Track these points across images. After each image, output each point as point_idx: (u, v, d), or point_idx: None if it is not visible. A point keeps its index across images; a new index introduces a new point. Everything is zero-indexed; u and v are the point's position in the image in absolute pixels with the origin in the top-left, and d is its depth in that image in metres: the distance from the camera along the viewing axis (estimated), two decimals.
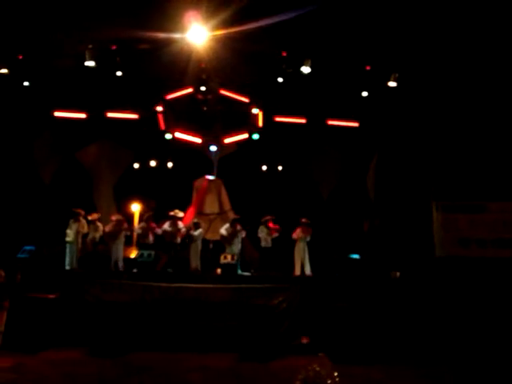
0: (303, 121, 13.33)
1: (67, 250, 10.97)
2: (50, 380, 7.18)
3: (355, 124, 13.29)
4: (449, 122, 11.95)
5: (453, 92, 11.71)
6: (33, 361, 8.12)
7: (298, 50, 11.82)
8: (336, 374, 4.25)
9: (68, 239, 10.94)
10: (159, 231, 11.55)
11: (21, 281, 9.20)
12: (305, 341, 9.36)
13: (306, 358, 8.14)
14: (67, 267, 10.87)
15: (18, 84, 12.07)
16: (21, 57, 11.69)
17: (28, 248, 10.85)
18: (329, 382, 4.32)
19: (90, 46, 11.35)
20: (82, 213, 11.17)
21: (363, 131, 13.26)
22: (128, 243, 12.17)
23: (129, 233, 11.81)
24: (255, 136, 13.29)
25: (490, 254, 11.27)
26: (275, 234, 11.64)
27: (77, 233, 11.04)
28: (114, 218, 11.44)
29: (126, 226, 11.39)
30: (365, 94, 12.61)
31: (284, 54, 12.03)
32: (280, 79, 12.49)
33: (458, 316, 9.39)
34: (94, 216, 11.42)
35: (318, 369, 4.43)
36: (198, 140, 13.66)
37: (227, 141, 13.76)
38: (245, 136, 13.52)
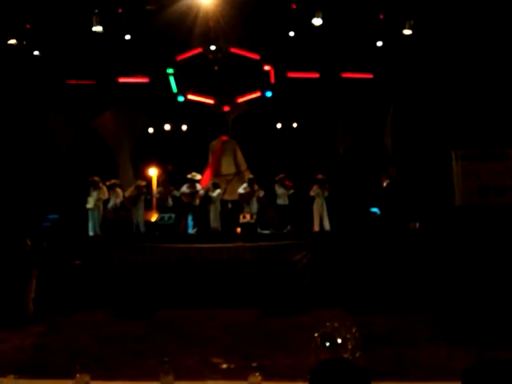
0: (316, 75, 13.05)
1: (89, 217, 11.17)
2: (82, 341, 7.47)
3: (369, 76, 12.98)
4: (466, 69, 11.57)
5: (470, 37, 11.27)
6: (64, 324, 8.43)
7: (308, 1, 11.43)
8: (355, 330, 4.33)
9: (89, 206, 11.10)
10: (177, 193, 11.67)
11: (47, 249, 9.45)
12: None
13: (328, 311, 8.46)
14: (90, 233, 11.11)
15: (27, 54, 12.03)
16: (28, 26, 11.60)
17: (52, 217, 11.11)
18: (348, 336, 4.41)
19: (96, 11, 11.17)
20: (99, 180, 11.28)
21: (378, 83, 12.94)
22: (148, 207, 12.35)
23: (148, 197, 11.97)
24: (268, 93, 13.11)
25: (511, 200, 11.13)
26: (291, 191, 11.68)
27: (98, 199, 11.20)
28: (138, 183, 11.60)
29: (144, 190, 11.53)
30: (379, 43, 12.22)
31: (294, 7, 11.66)
32: (291, 33, 12.18)
33: (478, 264, 9.38)
34: (113, 182, 11.55)
35: (336, 324, 4.52)
36: (211, 101, 13.55)
37: (240, 100, 13.62)
38: (257, 94, 13.35)
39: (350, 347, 4.53)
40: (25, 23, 11.52)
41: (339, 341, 4.78)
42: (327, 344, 4.68)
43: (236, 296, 9.53)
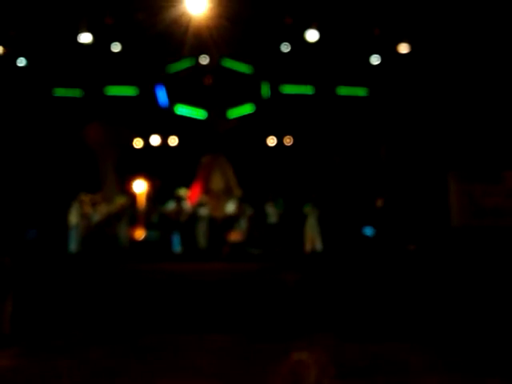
0: (310, 91, 12.84)
1: (71, 234, 10.80)
2: (60, 365, 7.01)
3: (365, 93, 12.79)
4: (464, 88, 11.43)
5: (468, 55, 11.16)
6: (42, 347, 7.97)
7: (303, 15, 11.27)
8: (324, 361, 4.00)
9: (71, 222, 10.76)
10: (163, 210, 11.36)
11: (25, 267, 9.02)
12: None
13: (318, 337, 8.06)
14: (71, 251, 10.71)
15: (12, 64, 11.72)
16: (12, 33, 11.30)
17: (31, 233, 10.72)
18: (314, 370, 4.09)
19: (85, 21, 10.90)
20: (82, 195, 10.94)
21: (373, 100, 12.75)
22: (133, 223, 11.98)
23: (135, 212, 11.64)
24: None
25: (507, 223, 10.98)
26: (281, 211, 11.41)
27: (80, 216, 10.85)
28: (119, 200, 11.28)
29: (129, 206, 11.21)
30: (375, 61, 12.05)
31: (289, 22, 11.48)
32: (285, 48, 11.98)
33: (474, 287, 9.09)
34: (96, 197, 11.20)
35: (302, 357, 4.21)
36: (202, 114, 13.26)
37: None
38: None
39: (315, 381, 4.15)
40: (9, 31, 11.25)
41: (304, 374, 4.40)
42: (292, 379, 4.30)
43: (223, 319, 9.09)
